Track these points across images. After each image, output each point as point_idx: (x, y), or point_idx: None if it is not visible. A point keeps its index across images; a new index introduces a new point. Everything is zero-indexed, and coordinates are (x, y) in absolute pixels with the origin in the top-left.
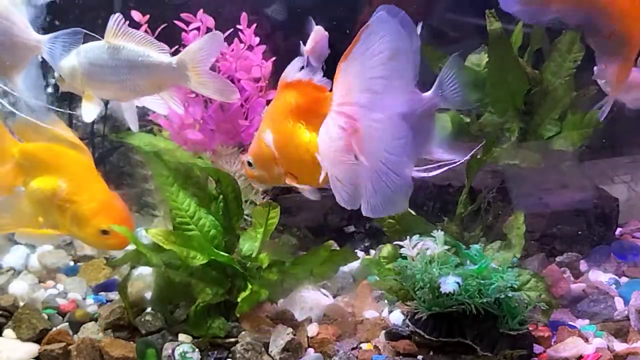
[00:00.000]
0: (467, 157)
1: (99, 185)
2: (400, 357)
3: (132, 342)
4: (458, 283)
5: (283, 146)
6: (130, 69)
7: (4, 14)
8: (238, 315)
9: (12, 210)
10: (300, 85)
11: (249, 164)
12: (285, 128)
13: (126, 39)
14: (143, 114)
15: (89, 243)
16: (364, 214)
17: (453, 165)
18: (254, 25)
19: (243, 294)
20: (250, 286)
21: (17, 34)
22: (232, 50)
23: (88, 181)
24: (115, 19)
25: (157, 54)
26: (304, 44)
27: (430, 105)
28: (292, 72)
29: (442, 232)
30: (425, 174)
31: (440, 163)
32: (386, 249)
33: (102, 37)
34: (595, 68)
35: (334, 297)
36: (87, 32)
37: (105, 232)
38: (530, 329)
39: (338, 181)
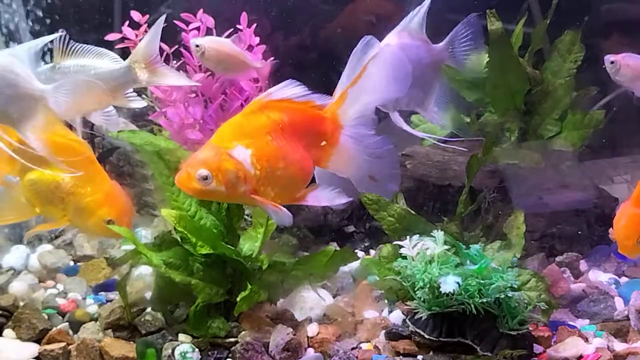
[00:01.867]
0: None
1: (101, 176)
2: (400, 357)
3: (132, 342)
4: (458, 283)
5: (268, 164)
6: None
7: (8, 67)
8: (236, 315)
9: (8, 202)
10: (289, 104)
11: (204, 178)
12: (272, 146)
13: (75, 57)
14: (143, 114)
15: (92, 233)
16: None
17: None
18: (254, 25)
19: (242, 294)
20: (249, 286)
21: (21, 85)
22: None
23: (90, 172)
24: (60, 39)
25: (108, 62)
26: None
27: (437, 58)
28: (279, 91)
29: (442, 232)
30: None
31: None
32: (386, 249)
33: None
34: (605, 57)
35: (334, 297)
36: (91, 80)
37: (110, 222)
38: (530, 328)
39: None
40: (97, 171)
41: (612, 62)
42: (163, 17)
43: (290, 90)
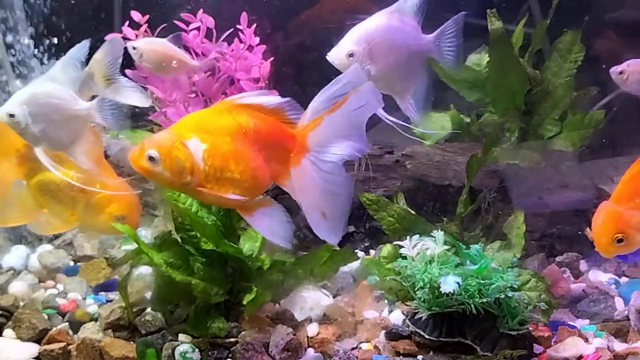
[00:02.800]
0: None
1: (109, 173)
2: (400, 357)
3: (132, 342)
4: (458, 283)
5: (220, 163)
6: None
7: (51, 93)
8: (246, 318)
9: (16, 203)
10: (260, 112)
11: (152, 158)
12: (229, 147)
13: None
14: (143, 114)
15: (101, 230)
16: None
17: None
18: (254, 25)
19: (249, 297)
20: (254, 288)
21: (68, 108)
22: (232, 50)
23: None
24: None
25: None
26: None
27: (424, 49)
28: (253, 96)
29: (442, 232)
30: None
31: None
32: (386, 249)
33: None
34: (611, 70)
35: (334, 297)
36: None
37: (119, 218)
38: (530, 329)
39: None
40: (104, 168)
41: (620, 73)
42: (119, 38)
43: (264, 97)
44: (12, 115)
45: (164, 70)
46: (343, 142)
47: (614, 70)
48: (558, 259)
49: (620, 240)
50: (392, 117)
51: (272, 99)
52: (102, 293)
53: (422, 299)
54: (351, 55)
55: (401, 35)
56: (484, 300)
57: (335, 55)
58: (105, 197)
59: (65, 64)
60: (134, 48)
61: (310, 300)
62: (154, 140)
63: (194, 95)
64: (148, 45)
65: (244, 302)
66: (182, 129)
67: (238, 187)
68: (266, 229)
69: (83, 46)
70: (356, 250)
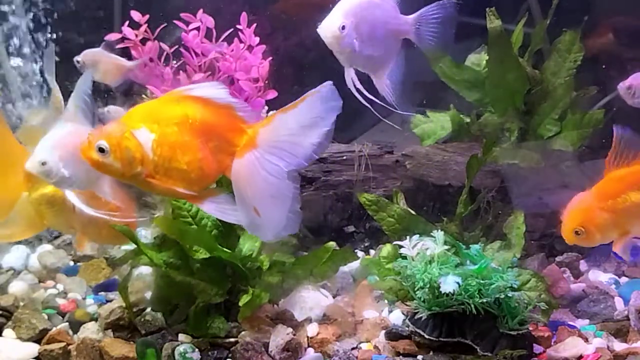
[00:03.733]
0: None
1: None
2: (400, 357)
3: (132, 342)
4: (458, 283)
5: (167, 154)
6: None
7: (75, 134)
8: (240, 320)
9: (19, 218)
10: (208, 103)
11: (101, 149)
12: (176, 137)
13: None
14: None
15: (103, 241)
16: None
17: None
18: (254, 25)
19: (244, 298)
20: (251, 289)
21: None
22: (232, 50)
23: None
24: None
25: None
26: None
27: (401, 30)
28: (202, 88)
29: (442, 232)
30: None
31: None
32: (386, 249)
33: None
34: (619, 86)
35: (334, 297)
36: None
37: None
38: (530, 328)
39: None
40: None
41: (628, 88)
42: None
43: (214, 91)
44: (44, 163)
45: (107, 75)
46: (294, 146)
47: (622, 85)
48: (558, 259)
49: (578, 233)
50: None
51: (222, 94)
52: (102, 293)
53: (422, 299)
54: (343, 27)
55: (381, 12)
56: (484, 300)
57: (327, 29)
58: (109, 208)
59: (76, 101)
60: (77, 62)
61: (310, 300)
62: (103, 131)
63: None
64: (86, 56)
65: (240, 304)
66: (131, 119)
67: (185, 178)
68: (217, 213)
69: (87, 78)
70: (356, 250)
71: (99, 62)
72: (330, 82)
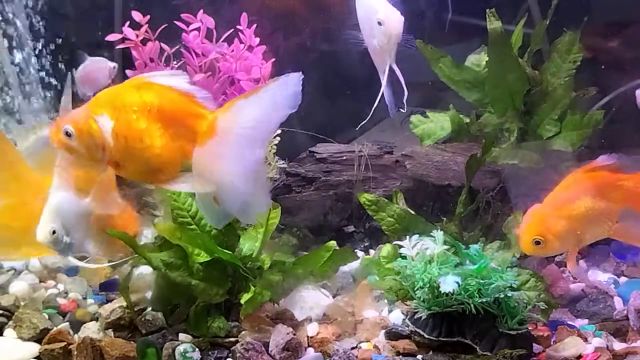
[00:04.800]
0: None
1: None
2: (400, 356)
3: (132, 342)
4: (457, 283)
5: (126, 140)
6: None
7: (71, 200)
8: (242, 318)
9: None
10: (167, 91)
11: (67, 134)
12: (134, 124)
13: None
14: None
15: (114, 253)
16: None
17: None
18: (254, 25)
19: (246, 296)
20: (252, 288)
21: (83, 210)
22: (232, 50)
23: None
24: None
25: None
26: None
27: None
28: (163, 77)
29: (442, 232)
30: None
31: None
32: (386, 249)
33: None
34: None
35: (334, 297)
36: None
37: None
38: (530, 328)
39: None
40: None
41: None
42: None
43: (175, 79)
44: (54, 232)
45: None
46: (254, 132)
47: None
48: (557, 258)
49: (538, 243)
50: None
51: (182, 82)
52: (103, 293)
53: (421, 299)
54: (380, 23)
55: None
56: (484, 300)
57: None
58: (124, 221)
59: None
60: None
61: (310, 299)
62: (69, 116)
63: None
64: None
65: (242, 301)
66: (95, 105)
67: (146, 164)
68: (190, 189)
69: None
70: (356, 250)
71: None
72: (296, 75)
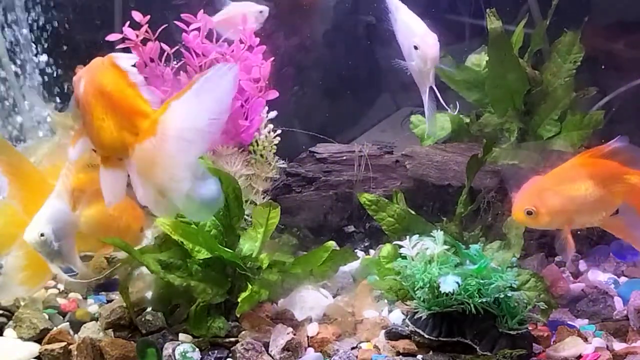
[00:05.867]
0: None
1: None
2: (400, 356)
3: (132, 342)
4: (457, 283)
5: (83, 108)
6: None
7: (66, 210)
8: (238, 315)
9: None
10: (123, 83)
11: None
12: (88, 96)
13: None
14: None
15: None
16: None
17: None
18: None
19: (243, 294)
20: (250, 286)
21: (74, 221)
22: (233, 50)
23: None
24: None
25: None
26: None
27: None
28: (124, 59)
29: (442, 232)
30: None
31: None
32: (386, 249)
33: None
34: None
35: (334, 297)
36: None
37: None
38: (530, 328)
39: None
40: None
41: None
42: None
43: (131, 69)
44: (42, 235)
45: None
46: (191, 132)
47: None
48: (557, 258)
49: (530, 213)
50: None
51: (136, 73)
52: (103, 293)
53: (421, 299)
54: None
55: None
56: (484, 300)
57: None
58: (131, 217)
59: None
60: None
61: (310, 299)
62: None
63: None
64: None
65: (239, 300)
66: (84, 66)
67: (95, 138)
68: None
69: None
70: (356, 250)
71: None
72: (225, 65)
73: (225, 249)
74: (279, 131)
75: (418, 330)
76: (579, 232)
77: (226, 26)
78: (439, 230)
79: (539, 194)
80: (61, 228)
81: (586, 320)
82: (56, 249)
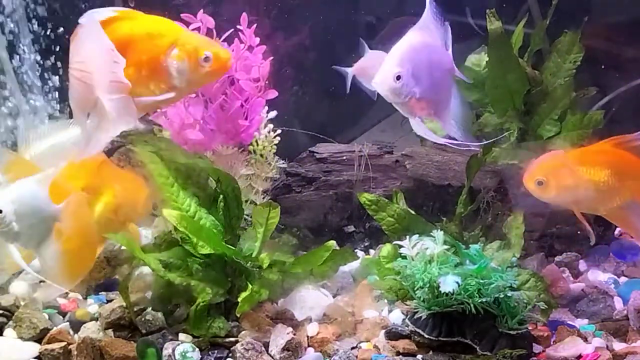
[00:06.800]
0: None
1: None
2: (400, 356)
3: (132, 342)
4: (457, 282)
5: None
6: None
7: (35, 194)
8: (238, 315)
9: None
10: None
11: None
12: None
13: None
14: (143, 115)
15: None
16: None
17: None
18: (254, 25)
19: (243, 294)
20: (250, 286)
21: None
22: (233, 50)
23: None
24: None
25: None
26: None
27: (452, 65)
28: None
29: (442, 232)
30: None
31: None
32: (386, 249)
33: None
34: None
35: (334, 297)
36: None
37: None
38: (530, 328)
39: None
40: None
41: None
42: None
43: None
44: (0, 212)
45: None
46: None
47: None
48: (557, 258)
49: (540, 183)
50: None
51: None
52: (103, 293)
53: (421, 299)
54: (398, 77)
55: (435, 52)
56: (484, 300)
57: (382, 81)
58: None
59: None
60: None
61: (310, 299)
62: None
63: (194, 95)
64: None
65: (239, 300)
66: None
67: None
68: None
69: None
70: (356, 250)
71: None
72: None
73: (228, 246)
74: (279, 131)
75: (418, 330)
76: (579, 232)
77: (364, 75)
78: (439, 230)
79: (555, 168)
80: (26, 212)
81: (586, 320)
82: (15, 230)
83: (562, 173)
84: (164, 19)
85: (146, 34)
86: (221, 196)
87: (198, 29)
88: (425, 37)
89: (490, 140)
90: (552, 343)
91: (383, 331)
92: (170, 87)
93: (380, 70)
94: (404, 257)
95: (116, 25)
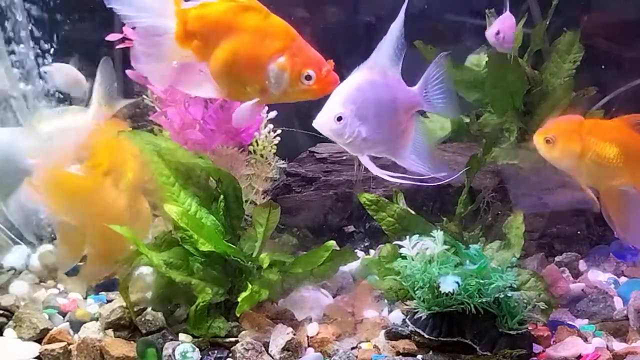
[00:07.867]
0: (447, 179)
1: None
2: (400, 356)
3: (132, 342)
4: (457, 283)
5: None
6: None
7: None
8: (238, 315)
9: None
10: None
11: None
12: None
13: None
14: (143, 114)
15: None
16: None
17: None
18: None
19: (243, 294)
20: (250, 286)
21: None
22: None
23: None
24: None
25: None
26: None
27: (413, 102)
28: None
29: (442, 232)
30: None
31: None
32: (386, 249)
33: None
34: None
35: (334, 297)
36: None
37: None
38: (530, 328)
39: None
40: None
41: (497, 34)
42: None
43: None
44: None
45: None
46: None
47: (490, 32)
48: (557, 258)
49: (548, 141)
50: None
51: None
52: (103, 293)
53: (421, 299)
54: (339, 118)
55: (385, 89)
56: (484, 300)
57: (323, 122)
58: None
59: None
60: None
61: (310, 299)
62: None
63: (193, 95)
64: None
65: (239, 300)
66: None
67: None
68: None
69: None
70: (356, 250)
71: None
72: None
73: (229, 244)
74: (279, 131)
75: (418, 330)
76: (579, 232)
77: None
78: (439, 230)
79: (567, 130)
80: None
81: (586, 320)
82: None
83: (572, 137)
84: (285, 22)
85: (261, 30)
86: (222, 196)
87: None
88: (374, 75)
89: (453, 175)
90: (552, 343)
91: (383, 331)
92: (263, 91)
93: (321, 111)
94: (404, 257)
95: (239, 11)
